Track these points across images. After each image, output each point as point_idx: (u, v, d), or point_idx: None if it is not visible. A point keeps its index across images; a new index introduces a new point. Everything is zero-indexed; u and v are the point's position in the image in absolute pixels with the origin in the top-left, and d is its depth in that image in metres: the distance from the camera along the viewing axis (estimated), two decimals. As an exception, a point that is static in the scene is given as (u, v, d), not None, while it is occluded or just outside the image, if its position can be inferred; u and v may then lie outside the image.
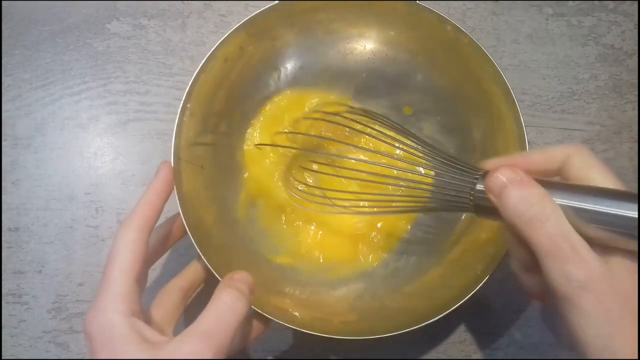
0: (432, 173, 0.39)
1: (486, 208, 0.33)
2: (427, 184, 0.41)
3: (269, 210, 0.46)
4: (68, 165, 0.49)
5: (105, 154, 0.49)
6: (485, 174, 0.33)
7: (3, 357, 0.45)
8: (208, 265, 0.37)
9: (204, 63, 0.41)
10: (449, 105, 0.47)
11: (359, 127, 0.44)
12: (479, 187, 0.33)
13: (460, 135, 0.46)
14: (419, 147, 0.40)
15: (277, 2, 0.43)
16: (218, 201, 0.44)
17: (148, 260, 0.36)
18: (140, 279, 0.33)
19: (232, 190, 0.46)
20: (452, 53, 0.44)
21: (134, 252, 0.32)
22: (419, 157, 0.40)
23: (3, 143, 0.49)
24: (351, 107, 0.46)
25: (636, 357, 0.27)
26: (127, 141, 0.49)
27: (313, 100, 0.48)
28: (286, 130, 0.46)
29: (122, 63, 0.51)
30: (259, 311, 0.37)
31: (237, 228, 0.45)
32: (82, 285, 0.46)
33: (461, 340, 0.37)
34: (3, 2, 0.52)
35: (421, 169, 0.43)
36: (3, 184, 0.48)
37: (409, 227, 0.46)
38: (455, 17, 0.45)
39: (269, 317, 0.37)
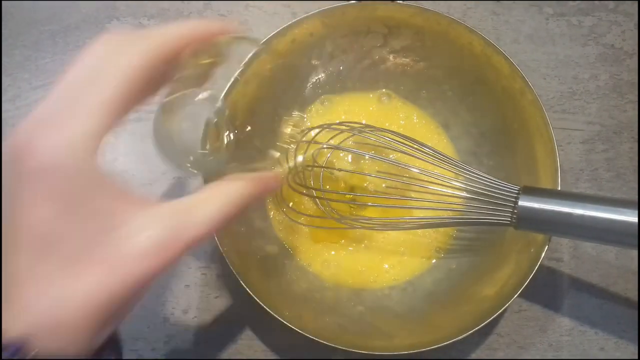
0: (468, 189, 0.39)
1: (531, 221, 0.35)
2: (463, 200, 0.40)
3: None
4: (68, 165, 0.49)
5: (105, 154, 0.49)
6: (523, 190, 0.35)
7: (3, 357, 0.45)
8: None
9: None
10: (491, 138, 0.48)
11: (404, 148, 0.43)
12: (522, 203, 0.35)
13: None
14: (454, 162, 0.40)
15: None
16: None
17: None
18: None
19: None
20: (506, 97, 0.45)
21: (131, 81, 0.25)
22: (456, 172, 0.40)
23: (3, 143, 0.49)
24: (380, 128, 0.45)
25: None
26: (127, 141, 0.49)
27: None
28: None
29: (122, 63, 0.51)
30: (292, 327, 0.38)
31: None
32: (82, 285, 0.46)
33: (461, 340, 0.37)
34: (3, 2, 0.52)
35: (455, 184, 0.42)
36: (3, 184, 0.48)
37: (447, 239, 0.47)
38: (456, 16, 0.44)
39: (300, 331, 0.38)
